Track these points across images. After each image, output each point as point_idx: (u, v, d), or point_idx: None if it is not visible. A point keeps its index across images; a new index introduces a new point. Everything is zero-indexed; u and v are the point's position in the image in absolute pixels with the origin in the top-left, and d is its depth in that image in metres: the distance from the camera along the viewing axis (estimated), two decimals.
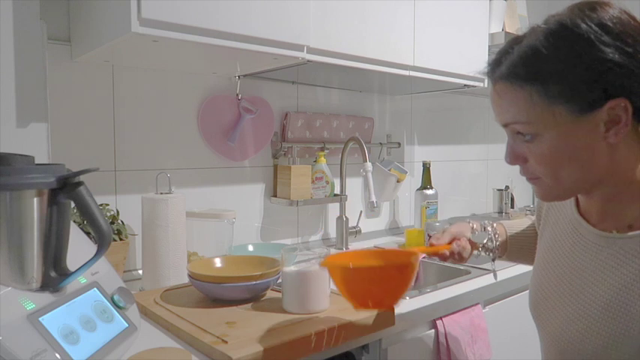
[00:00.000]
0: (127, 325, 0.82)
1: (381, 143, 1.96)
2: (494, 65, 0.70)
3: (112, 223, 1.22)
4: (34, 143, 1.09)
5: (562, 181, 0.69)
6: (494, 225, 0.99)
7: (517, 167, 0.76)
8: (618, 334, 0.67)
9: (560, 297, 0.77)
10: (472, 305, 1.25)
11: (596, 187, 0.70)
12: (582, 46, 0.62)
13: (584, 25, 0.62)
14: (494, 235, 0.97)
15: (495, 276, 1.04)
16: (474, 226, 0.98)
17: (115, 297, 0.84)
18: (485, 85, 1.79)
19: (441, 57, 1.60)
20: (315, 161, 1.72)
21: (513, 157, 0.72)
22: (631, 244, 0.68)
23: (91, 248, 0.76)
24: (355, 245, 1.78)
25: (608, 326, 0.68)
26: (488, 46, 1.79)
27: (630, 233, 0.68)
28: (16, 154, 0.73)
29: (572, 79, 0.62)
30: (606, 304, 0.69)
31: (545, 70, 0.63)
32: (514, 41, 0.69)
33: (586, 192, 0.73)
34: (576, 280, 0.74)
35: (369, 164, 1.55)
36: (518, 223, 1.01)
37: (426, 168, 1.95)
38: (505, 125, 0.71)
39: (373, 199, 1.54)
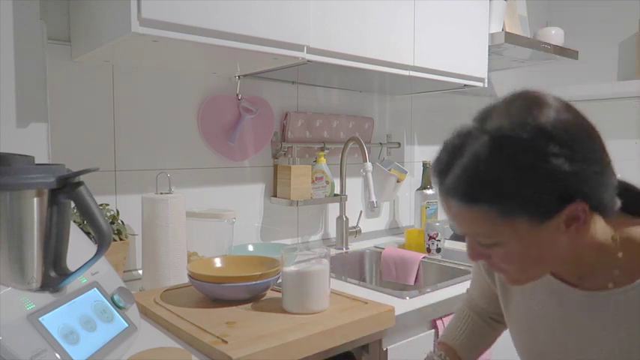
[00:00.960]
0: (127, 325, 0.82)
1: (381, 143, 1.96)
2: (440, 177, 0.66)
3: (112, 223, 1.22)
4: (34, 143, 1.09)
5: (529, 274, 0.69)
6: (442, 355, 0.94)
7: None
8: None
9: (567, 354, 0.75)
10: None
11: (559, 267, 0.71)
12: (530, 161, 0.59)
13: (526, 135, 0.59)
14: None
15: None
16: None
17: (115, 297, 0.84)
18: (486, 85, 1.79)
19: (441, 57, 1.60)
20: (315, 161, 1.72)
21: (475, 255, 0.69)
22: (626, 299, 0.67)
23: (91, 248, 0.77)
24: (355, 245, 1.78)
25: None
26: (489, 46, 1.79)
27: (623, 288, 0.67)
28: (16, 154, 0.73)
29: (525, 194, 0.60)
30: (610, 356, 0.69)
31: (496, 189, 0.61)
32: (455, 149, 0.65)
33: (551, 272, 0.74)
34: (575, 341, 0.73)
35: (369, 164, 1.55)
36: (460, 325, 0.96)
37: (426, 168, 1.95)
38: (465, 235, 0.69)
39: (373, 199, 1.54)
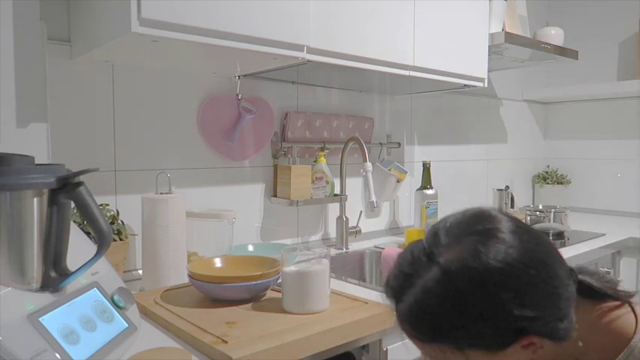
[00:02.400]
0: (127, 325, 0.82)
1: (381, 143, 1.96)
2: (394, 302, 0.66)
3: (112, 223, 1.22)
4: (34, 143, 1.09)
5: None
6: None
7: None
8: None
9: None
10: None
11: None
12: (479, 303, 0.59)
13: (475, 279, 0.59)
14: None
15: None
16: None
17: (115, 297, 0.84)
18: (486, 85, 1.79)
19: (441, 57, 1.60)
20: (315, 161, 1.72)
21: None
22: None
23: (91, 248, 0.77)
24: (355, 245, 1.78)
25: None
26: (489, 46, 1.79)
27: None
28: (16, 154, 0.73)
29: (477, 333, 0.60)
30: None
31: (447, 326, 0.61)
32: (407, 276, 0.64)
33: None
34: None
35: (369, 164, 1.55)
36: None
37: (426, 168, 1.95)
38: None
39: (373, 199, 1.54)
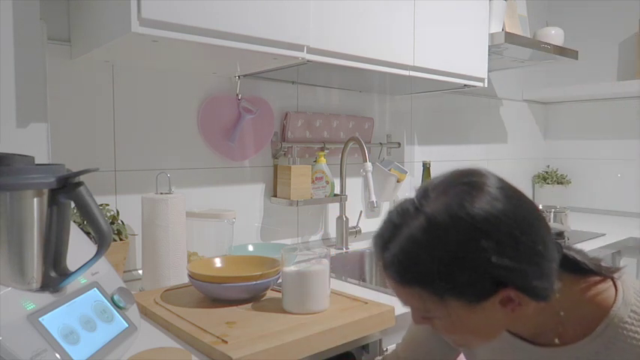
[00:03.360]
0: (127, 325, 0.82)
1: (381, 143, 1.96)
2: (380, 252, 0.68)
3: (112, 223, 1.22)
4: (34, 143, 1.09)
5: (469, 342, 0.72)
6: None
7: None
8: None
9: None
10: None
11: (508, 329, 0.74)
12: (461, 252, 0.61)
13: (458, 227, 0.61)
14: None
15: None
16: None
17: (115, 297, 0.84)
18: (486, 85, 1.79)
19: (441, 57, 1.60)
20: (315, 161, 1.72)
21: (418, 321, 0.71)
22: (582, 354, 0.69)
23: (91, 248, 0.77)
24: (355, 245, 1.78)
25: None
26: (489, 46, 1.79)
27: (571, 346, 0.70)
28: (16, 154, 0.73)
29: (456, 281, 0.62)
30: None
31: (428, 273, 0.62)
32: (395, 226, 0.66)
33: None
34: None
35: (369, 164, 1.55)
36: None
37: (426, 168, 1.95)
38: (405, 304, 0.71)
39: (373, 199, 1.54)
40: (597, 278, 0.71)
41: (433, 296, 0.64)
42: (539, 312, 0.69)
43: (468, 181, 0.65)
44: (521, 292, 0.63)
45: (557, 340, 0.71)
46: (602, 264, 0.72)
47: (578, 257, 0.71)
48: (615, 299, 0.68)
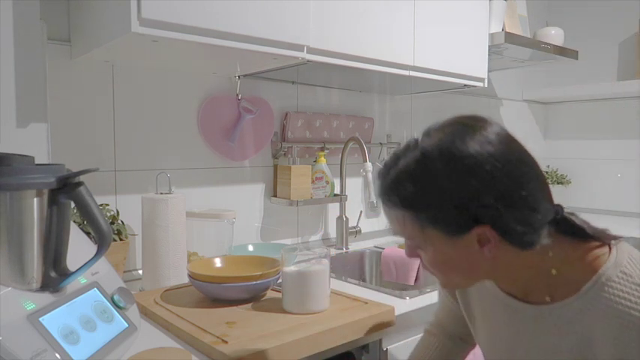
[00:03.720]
0: (127, 325, 0.82)
1: (381, 143, 1.96)
2: (380, 180, 0.72)
3: (112, 223, 1.22)
4: (34, 143, 1.09)
5: (451, 280, 0.76)
6: None
7: None
8: None
9: None
10: None
11: (488, 279, 0.76)
12: (444, 185, 0.65)
13: (446, 162, 0.65)
14: None
15: None
16: None
17: (115, 297, 0.84)
18: (486, 85, 1.79)
19: (441, 57, 1.60)
20: (315, 161, 1.72)
21: (410, 254, 0.76)
22: (567, 312, 0.71)
23: (91, 248, 0.77)
24: (355, 245, 1.78)
25: None
26: (489, 46, 1.79)
27: (559, 303, 0.71)
28: (16, 154, 0.73)
29: (436, 212, 0.66)
30: None
31: (412, 201, 0.67)
32: (396, 157, 0.71)
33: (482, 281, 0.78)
34: (529, 351, 0.77)
35: (369, 164, 1.55)
36: (429, 348, 0.98)
37: None
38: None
39: (373, 199, 1.54)
40: (596, 244, 0.71)
41: (415, 223, 0.68)
42: (528, 267, 0.71)
43: (466, 123, 0.69)
44: (497, 232, 0.65)
45: (548, 299, 0.73)
46: (604, 231, 0.72)
47: (578, 222, 0.72)
48: (607, 261, 0.69)
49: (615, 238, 0.72)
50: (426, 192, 0.66)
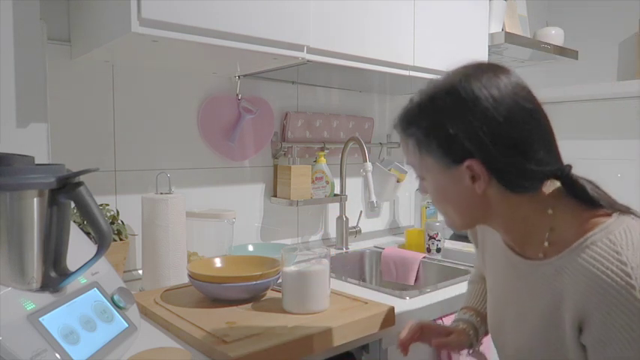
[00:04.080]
0: (127, 325, 0.82)
1: (381, 143, 1.96)
2: (403, 108, 0.78)
3: (112, 223, 1.22)
4: (34, 143, 1.09)
5: (450, 216, 0.78)
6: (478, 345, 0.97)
7: None
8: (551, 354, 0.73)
9: (508, 322, 0.81)
10: None
11: (485, 223, 0.77)
12: (444, 112, 0.70)
13: (452, 96, 0.69)
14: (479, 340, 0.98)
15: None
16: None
17: (115, 297, 0.84)
18: None
19: (441, 57, 1.60)
20: (315, 161, 1.72)
21: (422, 190, 0.82)
22: (548, 269, 0.72)
23: (91, 248, 0.77)
24: (355, 245, 1.78)
25: (543, 347, 0.74)
26: (489, 46, 1.79)
27: (546, 260, 0.73)
28: (16, 154, 0.73)
29: (434, 137, 0.71)
30: (540, 325, 0.74)
31: (416, 127, 0.73)
32: (422, 89, 0.76)
33: (481, 224, 0.80)
34: (517, 306, 0.79)
35: (369, 164, 1.55)
36: (477, 294, 1.00)
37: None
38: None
39: (373, 199, 1.54)
40: (603, 212, 0.71)
41: (415, 150, 0.74)
42: (523, 218, 0.73)
43: (486, 67, 0.72)
44: (486, 168, 0.69)
45: (541, 255, 0.73)
46: (614, 203, 0.73)
47: (588, 187, 0.72)
48: (599, 226, 0.69)
49: (625, 211, 0.71)
50: (427, 119, 0.72)
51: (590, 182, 0.73)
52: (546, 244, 0.72)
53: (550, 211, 0.72)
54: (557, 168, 0.72)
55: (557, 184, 0.73)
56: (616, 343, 0.63)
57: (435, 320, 1.17)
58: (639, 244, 0.64)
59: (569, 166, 0.72)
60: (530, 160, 0.69)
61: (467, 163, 0.69)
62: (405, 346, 0.91)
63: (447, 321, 1.18)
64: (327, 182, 1.70)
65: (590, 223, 0.70)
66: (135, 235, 1.32)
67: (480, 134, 0.67)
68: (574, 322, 0.67)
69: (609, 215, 0.70)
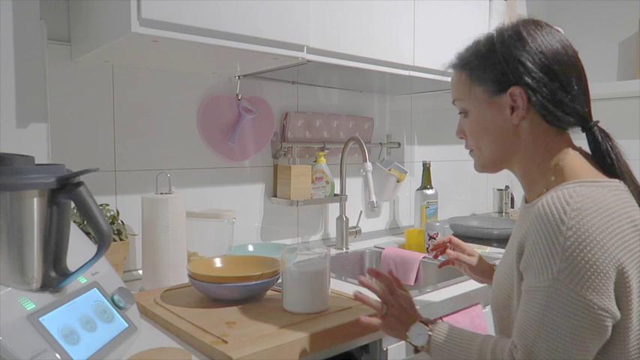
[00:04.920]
0: (127, 326, 0.82)
1: (381, 143, 1.96)
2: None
3: (112, 223, 1.22)
4: (34, 143, 1.09)
5: (483, 151, 0.87)
6: None
7: None
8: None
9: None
10: (472, 305, 1.25)
11: (510, 162, 0.86)
12: (499, 47, 0.80)
13: (514, 37, 0.80)
14: None
15: None
16: None
17: (115, 297, 0.84)
18: None
19: (441, 57, 1.59)
20: (315, 161, 1.72)
21: (459, 132, 0.92)
22: (530, 211, 0.77)
23: (91, 248, 0.77)
24: (355, 245, 1.78)
25: (504, 294, 0.83)
26: None
27: (529, 204, 0.83)
28: (16, 154, 0.73)
29: (487, 68, 0.82)
30: (507, 269, 0.82)
31: (470, 60, 0.84)
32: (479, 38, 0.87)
33: (506, 166, 0.88)
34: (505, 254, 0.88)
35: (369, 164, 1.55)
36: None
37: (426, 168, 1.94)
38: (453, 102, 0.90)
39: (373, 199, 1.54)
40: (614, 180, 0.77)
41: (466, 82, 0.84)
42: (538, 163, 0.82)
43: (541, 23, 0.82)
44: (527, 98, 0.78)
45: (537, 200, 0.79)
46: (625, 172, 0.79)
47: (612, 154, 0.79)
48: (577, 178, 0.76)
49: (623, 179, 0.77)
50: (483, 56, 0.82)
51: (613, 146, 0.81)
52: (544, 190, 0.79)
53: (559, 163, 0.80)
54: (586, 115, 0.81)
55: (570, 151, 0.81)
56: (533, 270, 0.70)
57: (435, 320, 1.17)
58: (590, 208, 0.68)
59: (597, 122, 0.82)
60: (567, 93, 0.78)
61: (512, 90, 0.78)
62: (435, 249, 1.15)
63: (447, 321, 1.18)
64: (327, 182, 1.70)
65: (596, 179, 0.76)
66: (135, 235, 1.32)
67: (529, 64, 0.77)
68: (518, 254, 0.75)
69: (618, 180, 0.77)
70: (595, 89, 2.70)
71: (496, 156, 0.86)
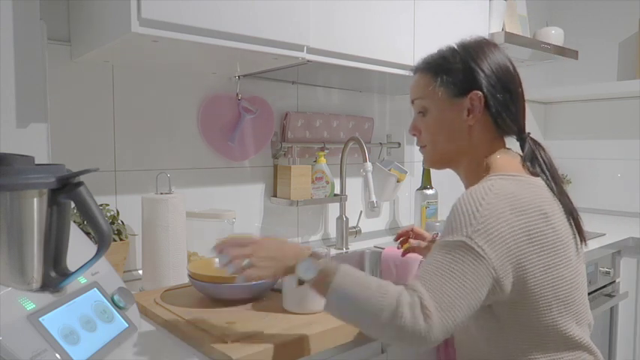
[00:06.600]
0: (127, 326, 0.82)
1: (381, 143, 1.96)
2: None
3: (112, 223, 1.22)
4: (34, 143, 1.09)
5: (438, 148, 0.96)
6: None
7: None
8: None
9: None
10: None
11: (457, 160, 0.96)
12: (462, 54, 0.93)
13: (469, 51, 0.92)
14: None
15: None
16: None
17: (115, 297, 0.84)
18: None
19: None
20: (315, 161, 1.72)
21: (413, 129, 1.01)
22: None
23: (91, 248, 0.77)
24: (355, 245, 1.78)
25: None
26: None
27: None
28: (16, 154, 0.73)
29: (456, 71, 0.92)
30: None
31: (437, 64, 0.95)
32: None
33: (453, 164, 0.97)
34: None
35: (369, 164, 1.55)
36: None
37: (426, 168, 1.94)
38: (412, 102, 0.99)
39: (373, 199, 1.54)
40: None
41: (429, 84, 0.94)
42: (478, 163, 0.93)
43: (494, 45, 0.95)
44: (486, 99, 0.89)
45: None
46: (551, 174, 0.91)
47: (541, 159, 0.93)
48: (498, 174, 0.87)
49: (548, 179, 0.90)
50: (449, 62, 0.93)
51: (542, 149, 0.95)
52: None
53: (492, 161, 0.92)
54: (523, 126, 0.95)
55: (502, 151, 0.94)
56: (448, 229, 0.80)
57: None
58: (505, 195, 0.80)
59: (528, 134, 0.96)
60: (514, 104, 0.92)
61: (472, 94, 0.89)
62: (399, 238, 1.30)
63: None
64: (327, 182, 1.70)
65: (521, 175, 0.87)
66: (135, 235, 1.32)
67: (488, 72, 0.89)
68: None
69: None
70: (595, 89, 2.72)
71: (448, 152, 0.96)
